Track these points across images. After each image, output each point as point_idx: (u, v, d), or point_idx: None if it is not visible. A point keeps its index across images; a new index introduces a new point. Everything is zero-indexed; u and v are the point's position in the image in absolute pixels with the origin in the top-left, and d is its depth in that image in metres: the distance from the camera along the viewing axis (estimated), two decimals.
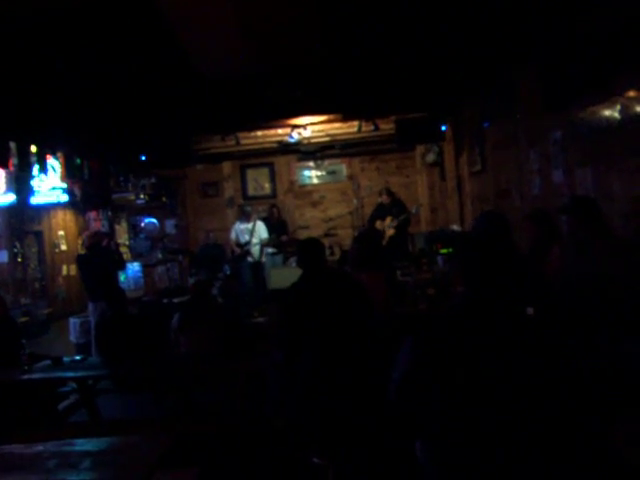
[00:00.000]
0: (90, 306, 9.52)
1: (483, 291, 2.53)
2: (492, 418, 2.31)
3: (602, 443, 2.45)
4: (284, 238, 13.07)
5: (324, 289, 4.76)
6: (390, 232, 11.59)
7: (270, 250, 12.65)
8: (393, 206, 11.82)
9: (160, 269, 13.96)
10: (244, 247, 12.52)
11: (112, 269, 9.87)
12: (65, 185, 11.30)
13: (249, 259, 12.51)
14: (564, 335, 2.53)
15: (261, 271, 12.41)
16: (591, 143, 5.74)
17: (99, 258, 9.49)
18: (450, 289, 6.91)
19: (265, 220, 13.09)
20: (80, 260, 10.15)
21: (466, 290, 2.59)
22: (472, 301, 2.54)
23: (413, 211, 12.11)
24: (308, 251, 4.96)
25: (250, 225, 12.59)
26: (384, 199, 11.98)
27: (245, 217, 12.89)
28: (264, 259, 12.48)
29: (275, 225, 13.24)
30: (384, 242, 11.25)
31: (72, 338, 10.29)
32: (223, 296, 10.61)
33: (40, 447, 3.79)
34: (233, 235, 12.89)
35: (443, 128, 10.82)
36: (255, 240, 12.48)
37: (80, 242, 12.78)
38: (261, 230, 12.62)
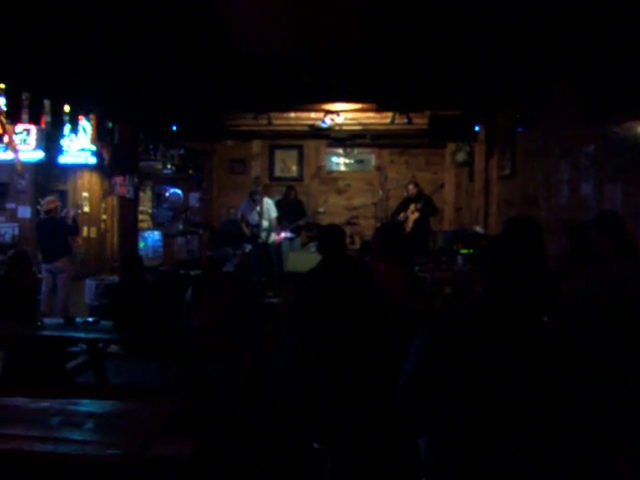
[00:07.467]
0: (43, 267, 10.05)
1: (508, 296, 2.46)
2: (500, 424, 2.29)
3: (607, 465, 2.42)
4: (302, 221, 13.05)
5: (341, 277, 4.75)
6: (414, 216, 11.52)
7: (289, 235, 12.63)
8: (418, 199, 11.77)
9: (180, 240, 14.00)
10: (253, 229, 12.50)
11: (67, 234, 10.33)
12: (94, 148, 11.37)
13: (260, 241, 12.49)
14: (578, 348, 2.48)
15: (278, 253, 12.40)
16: (624, 159, 5.68)
17: (55, 223, 10.06)
18: (468, 289, 6.90)
19: (281, 202, 13.04)
20: (39, 224, 10.51)
21: (489, 292, 2.52)
22: (494, 304, 2.47)
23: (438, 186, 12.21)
24: (329, 238, 4.94)
25: (258, 208, 12.55)
26: (410, 189, 11.91)
27: (252, 200, 12.83)
28: (270, 241, 12.46)
29: (291, 207, 13.22)
30: (407, 228, 11.19)
31: (87, 300, 10.38)
32: (239, 273, 10.68)
33: (45, 403, 3.84)
34: (239, 214, 12.90)
35: (476, 128, 10.75)
36: (265, 222, 12.44)
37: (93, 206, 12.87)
38: (270, 210, 12.58)
